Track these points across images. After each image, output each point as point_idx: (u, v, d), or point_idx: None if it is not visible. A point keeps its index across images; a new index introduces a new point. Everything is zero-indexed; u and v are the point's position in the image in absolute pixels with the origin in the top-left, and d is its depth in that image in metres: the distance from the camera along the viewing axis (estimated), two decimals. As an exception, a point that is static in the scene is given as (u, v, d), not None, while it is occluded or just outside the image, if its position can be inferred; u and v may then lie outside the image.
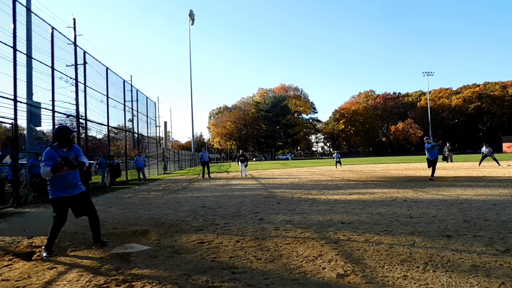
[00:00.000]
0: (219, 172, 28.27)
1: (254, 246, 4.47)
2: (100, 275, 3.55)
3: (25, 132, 11.32)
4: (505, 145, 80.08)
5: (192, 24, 64.20)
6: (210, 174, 21.33)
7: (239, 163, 22.59)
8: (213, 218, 6.67)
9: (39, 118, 11.68)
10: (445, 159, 25.86)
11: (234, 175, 22.86)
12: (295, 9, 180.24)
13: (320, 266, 3.61)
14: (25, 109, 10.55)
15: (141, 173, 20.98)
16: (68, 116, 13.76)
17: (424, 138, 14.51)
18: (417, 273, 3.28)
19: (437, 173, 16.73)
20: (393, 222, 5.69)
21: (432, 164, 13.73)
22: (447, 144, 28.77)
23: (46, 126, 12.52)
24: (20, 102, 10.01)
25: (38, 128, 12.23)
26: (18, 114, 9.77)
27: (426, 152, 14.05)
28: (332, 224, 5.74)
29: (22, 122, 10.90)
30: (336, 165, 29.90)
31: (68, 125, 16.47)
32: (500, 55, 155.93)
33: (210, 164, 24.85)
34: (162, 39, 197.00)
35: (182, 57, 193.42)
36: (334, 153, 37.70)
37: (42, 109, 11.61)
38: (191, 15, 63.66)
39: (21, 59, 10.24)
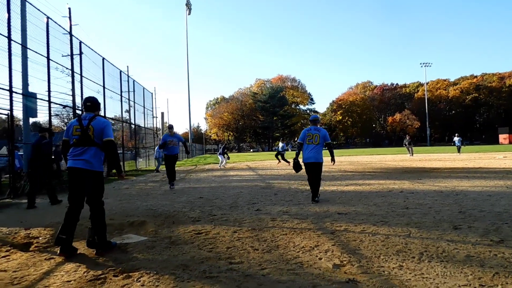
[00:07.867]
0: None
1: (251, 237, 4.50)
2: (97, 266, 3.57)
3: (21, 123, 11.21)
4: (501, 137, 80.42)
5: (189, 14, 63.41)
6: (209, 165, 21.60)
7: (221, 156, 22.42)
8: (210, 209, 6.69)
9: (35, 109, 11.59)
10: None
11: (232, 166, 22.86)
12: (294, 0, 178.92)
13: (317, 256, 3.64)
14: (21, 100, 10.48)
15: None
16: (64, 107, 13.68)
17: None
18: (413, 263, 3.31)
19: (434, 165, 16.85)
20: (389, 213, 5.73)
21: None
22: (407, 137, 29.28)
23: (42, 117, 12.44)
24: (16, 93, 9.93)
25: (34, 119, 12.16)
26: (13, 105, 9.71)
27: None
28: (328, 215, 5.77)
29: (18, 113, 10.84)
30: None
31: (64, 116, 16.23)
32: (498, 46, 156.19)
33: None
34: (159, 29, 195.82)
35: (179, 48, 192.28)
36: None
37: (38, 100, 11.53)
38: (188, 4, 62.89)
39: (16, 49, 10.12)
